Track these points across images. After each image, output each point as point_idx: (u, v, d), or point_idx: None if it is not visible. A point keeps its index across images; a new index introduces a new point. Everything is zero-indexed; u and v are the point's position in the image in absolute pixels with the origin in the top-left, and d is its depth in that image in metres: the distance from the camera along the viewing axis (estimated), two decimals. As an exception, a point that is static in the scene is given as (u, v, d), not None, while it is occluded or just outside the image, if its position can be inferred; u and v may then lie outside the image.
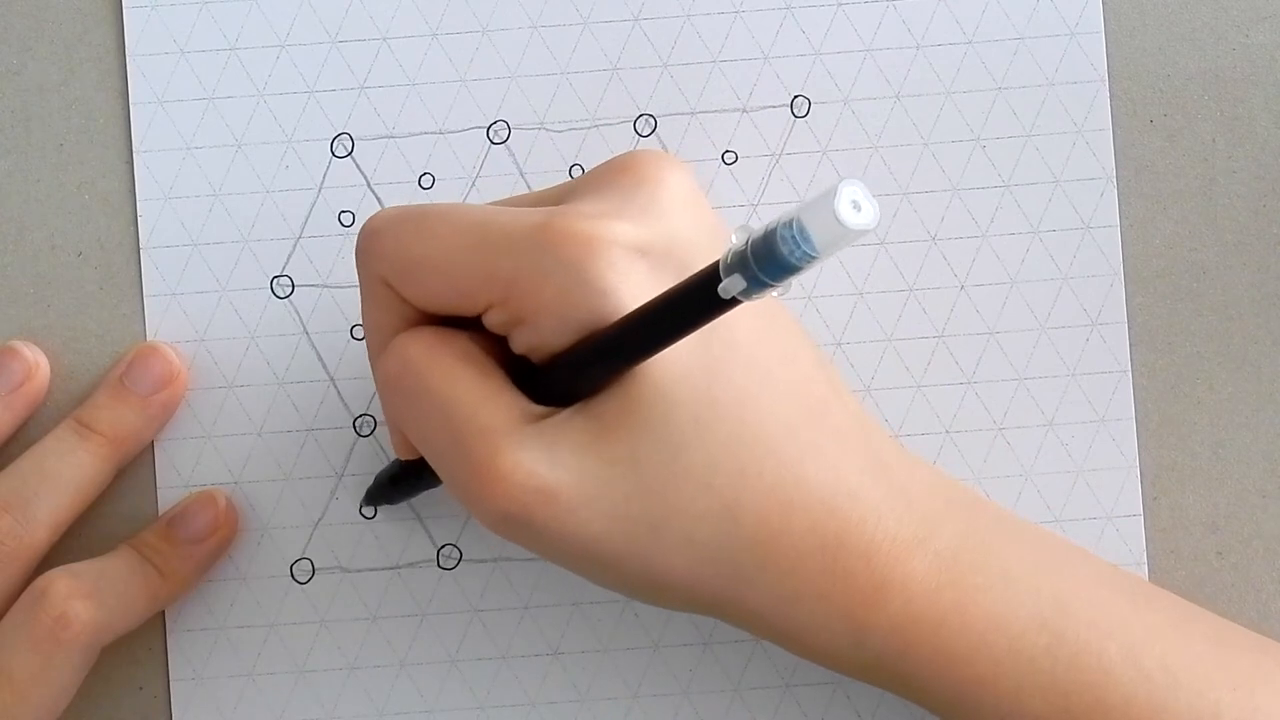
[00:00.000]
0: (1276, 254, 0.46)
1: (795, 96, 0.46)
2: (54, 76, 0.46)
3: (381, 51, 0.46)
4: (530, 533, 0.36)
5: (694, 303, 0.32)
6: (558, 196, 0.39)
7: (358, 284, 0.39)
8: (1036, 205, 0.46)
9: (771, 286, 0.30)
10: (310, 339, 0.46)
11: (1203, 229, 0.46)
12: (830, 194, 0.28)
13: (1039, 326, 0.46)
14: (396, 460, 0.43)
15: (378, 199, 0.46)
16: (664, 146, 0.46)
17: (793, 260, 0.29)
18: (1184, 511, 0.45)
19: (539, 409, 0.37)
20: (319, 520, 0.46)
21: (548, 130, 0.46)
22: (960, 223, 0.46)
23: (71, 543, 0.45)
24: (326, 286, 0.46)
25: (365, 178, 0.46)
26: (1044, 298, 0.46)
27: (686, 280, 0.33)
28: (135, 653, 0.45)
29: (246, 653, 0.45)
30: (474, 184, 0.46)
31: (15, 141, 0.46)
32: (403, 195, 0.46)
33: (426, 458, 0.38)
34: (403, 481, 0.43)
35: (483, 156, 0.46)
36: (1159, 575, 0.45)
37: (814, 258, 0.29)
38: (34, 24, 0.46)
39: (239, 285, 0.46)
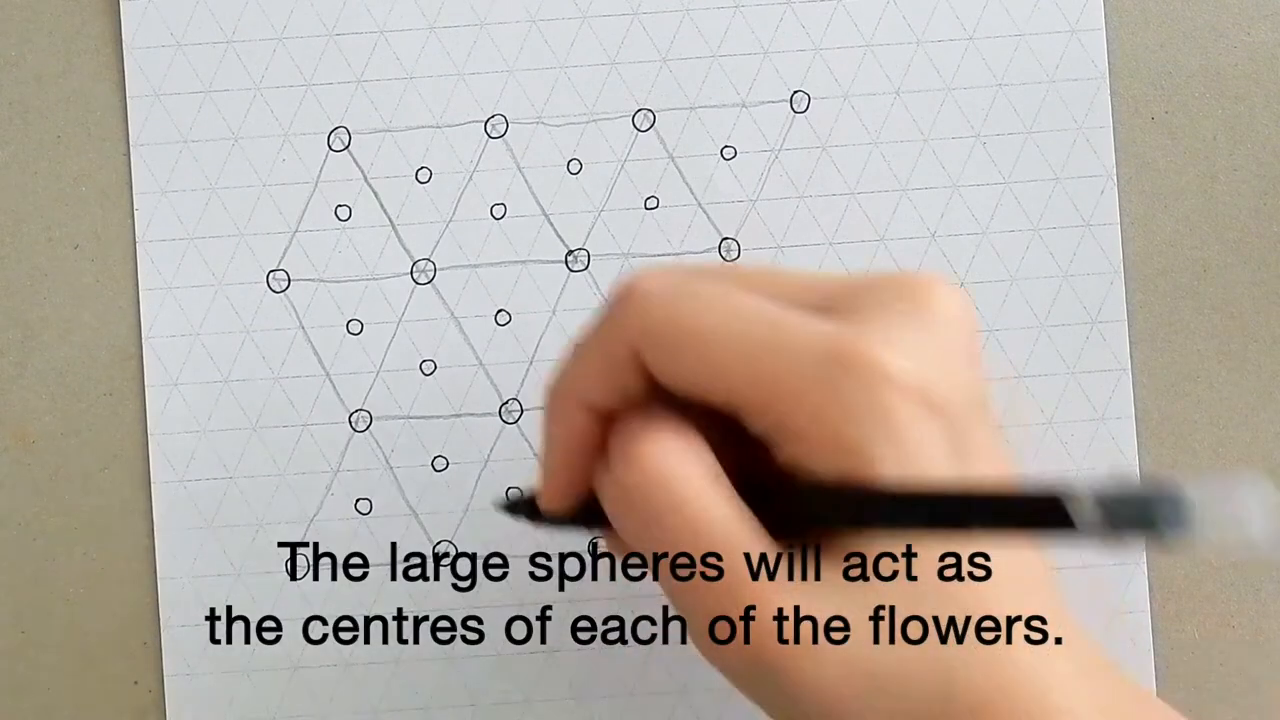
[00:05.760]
0: (1277, 252, 0.45)
1: (795, 92, 0.46)
2: (51, 69, 0.46)
3: (379, 45, 0.46)
4: (771, 680, 0.35)
5: (1033, 514, 0.31)
6: (831, 296, 0.36)
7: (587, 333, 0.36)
8: (1037, 202, 0.46)
9: (1119, 538, 0.29)
10: (306, 333, 0.46)
11: (1204, 227, 0.46)
12: (1241, 495, 0.27)
13: (1039, 324, 0.45)
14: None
15: (374, 193, 0.46)
16: (662, 141, 0.46)
17: (1163, 532, 0.28)
18: (1183, 511, 0.45)
19: (776, 543, 0.35)
20: (314, 516, 0.45)
21: (545, 124, 0.46)
22: (960, 220, 0.46)
23: (65, 536, 0.45)
24: (322, 281, 0.46)
25: (362, 171, 0.46)
26: (1044, 295, 0.45)
27: (1029, 490, 0.31)
28: (129, 648, 0.45)
29: (241, 648, 0.45)
30: (471, 178, 0.46)
31: (12, 134, 0.46)
32: (399, 189, 0.46)
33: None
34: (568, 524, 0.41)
35: (480, 150, 0.46)
36: (1157, 574, 0.45)
37: (1184, 538, 0.28)
38: (31, 16, 0.46)
39: (235, 279, 0.46)
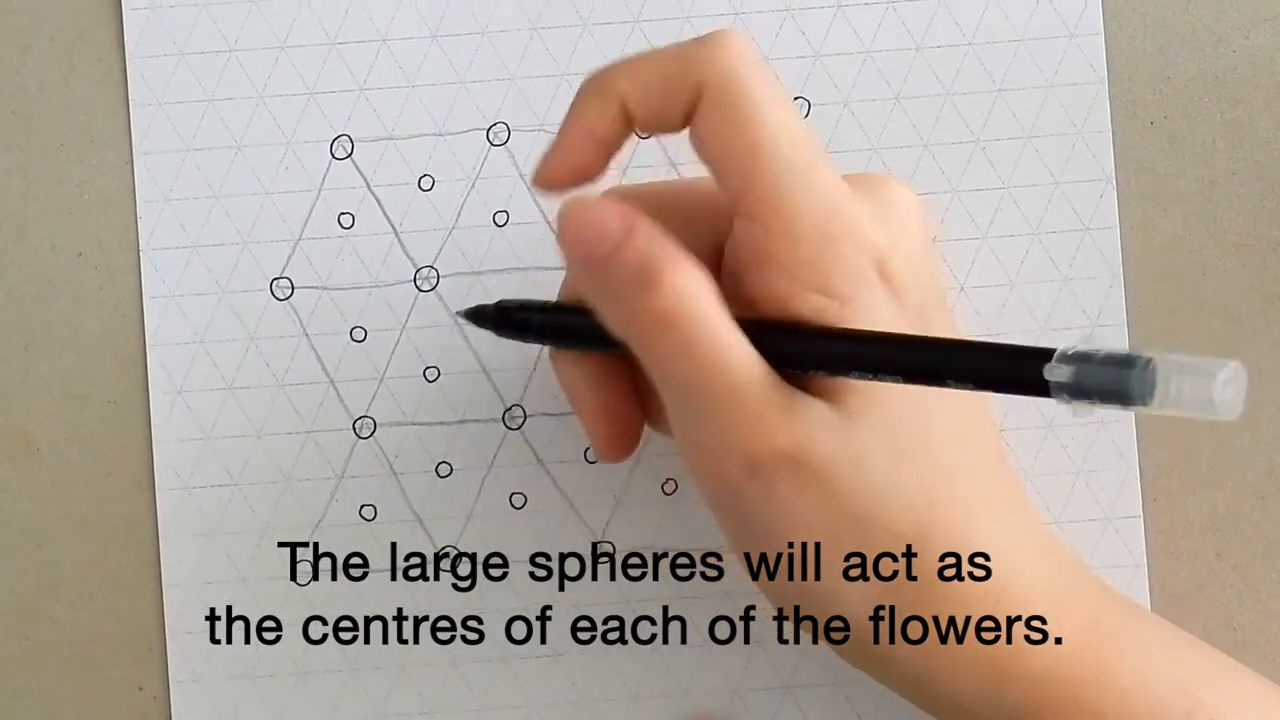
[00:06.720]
0: (1277, 255, 0.46)
1: (795, 98, 0.46)
2: (54, 77, 0.46)
3: (381, 53, 0.46)
4: (762, 494, 0.36)
5: (1008, 372, 0.32)
6: None
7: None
8: (1036, 207, 0.46)
9: (1091, 404, 0.30)
10: (310, 340, 0.46)
11: (1203, 231, 0.46)
12: (1214, 370, 0.28)
13: (1039, 328, 0.46)
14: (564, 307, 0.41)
15: (377, 201, 0.46)
16: (663, 148, 0.46)
17: (1136, 401, 0.29)
18: (1183, 512, 0.45)
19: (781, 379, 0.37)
20: (319, 522, 0.46)
21: (547, 132, 0.46)
22: (960, 224, 0.46)
23: (69, 543, 0.45)
24: (326, 288, 0.46)
25: (365, 179, 0.46)
26: (1044, 299, 0.45)
27: (1008, 347, 0.33)
28: (134, 653, 0.45)
29: (246, 654, 0.45)
30: (474, 185, 0.46)
31: (15, 141, 0.46)
32: (402, 197, 0.46)
33: (673, 391, 0.37)
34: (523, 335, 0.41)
35: (482, 158, 0.46)
36: (1158, 576, 0.45)
37: (1150, 408, 0.29)
38: (34, 23, 0.46)
39: (239, 287, 0.46)
